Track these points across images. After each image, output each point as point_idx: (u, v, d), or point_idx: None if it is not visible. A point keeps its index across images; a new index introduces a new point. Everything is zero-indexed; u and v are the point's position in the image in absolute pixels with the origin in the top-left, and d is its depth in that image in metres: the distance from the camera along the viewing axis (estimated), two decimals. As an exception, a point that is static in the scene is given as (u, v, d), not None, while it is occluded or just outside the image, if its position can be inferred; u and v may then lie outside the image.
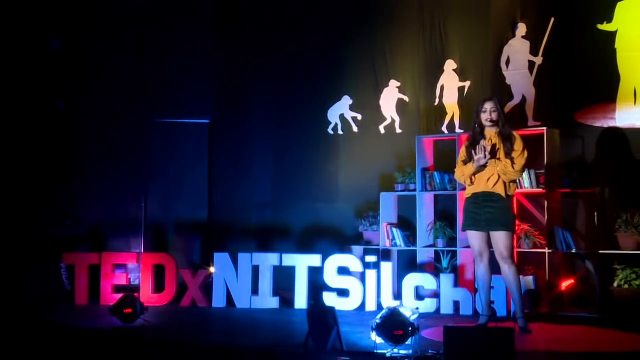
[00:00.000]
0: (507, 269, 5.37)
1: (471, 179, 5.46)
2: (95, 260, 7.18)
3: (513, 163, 5.35)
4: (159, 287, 7.18)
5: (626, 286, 6.09)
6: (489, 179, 5.39)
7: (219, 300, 6.93)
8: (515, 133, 5.46)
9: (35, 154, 7.94)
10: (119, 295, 5.97)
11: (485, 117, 5.43)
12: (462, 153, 5.58)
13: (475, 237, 5.47)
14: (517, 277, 5.38)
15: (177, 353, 4.88)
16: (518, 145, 5.39)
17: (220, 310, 6.79)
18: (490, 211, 5.37)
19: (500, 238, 5.36)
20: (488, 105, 5.45)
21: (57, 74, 8.13)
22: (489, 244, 5.45)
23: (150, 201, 7.90)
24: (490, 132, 5.47)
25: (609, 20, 6.62)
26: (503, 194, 5.35)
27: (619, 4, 6.63)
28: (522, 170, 5.46)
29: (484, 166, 5.39)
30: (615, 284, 6.14)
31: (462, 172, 5.53)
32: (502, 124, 5.44)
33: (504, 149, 5.38)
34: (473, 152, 5.41)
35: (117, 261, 7.29)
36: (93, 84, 8.20)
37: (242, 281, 6.89)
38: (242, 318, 6.39)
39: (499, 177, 5.36)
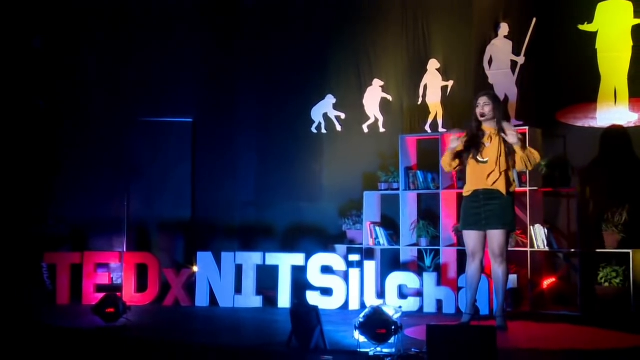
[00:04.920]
0: (497, 267, 5.36)
1: (460, 170, 5.51)
2: (77, 259, 7.13)
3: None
4: (141, 286, 7.15)
5: (607, 284, 6.13)
6: (488, 176, 5.33)
7: (202, 300, 6.91)
8: (504, 123, 5.43)
9: (17, 152, 7.86)
10: (101, 295, 5.92)
11: (478, 111, 5.40)
12: (452, 141, 5.51)
13: (471, 237, 5.41)
14: (505, 278, 5.38)
15: (160, 353, 4.84)
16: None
17: (203, 310, 6.77)
18: (490, 209, 5.31)
19: (496, 236, 5.32)
20: (481, 100, 5.42)
21: (39, 72, 8.04)
22: (484, 245, 5.41)
23: (133, 200, 7.84)
24: (490, 129, 5.41)
25: (590, 20, 6.67)
26: (504, 192, 5.30)
27: (599, 4, 6.69)
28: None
29: (461, 155, 5.41)
30: (597, 282, 6.18)
31: (445, 160, 5.56)
32: (498, 121, 5.38)
33: (504, 147, 5.33)
34: (472, 147, 5.40)
35: (99, 260, 7.24)
36: (75, 82, 8.12)
37: (225, 280, 6.88)
38: (225, 317, 6.37)
39: (500, 174, 5.29)
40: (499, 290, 5.39)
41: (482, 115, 5.39)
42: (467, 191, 5.45)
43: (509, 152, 5.35)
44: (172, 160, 8.11)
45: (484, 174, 5.34)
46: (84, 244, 7.69)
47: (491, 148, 5.35)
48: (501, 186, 5.31)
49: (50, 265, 7.22)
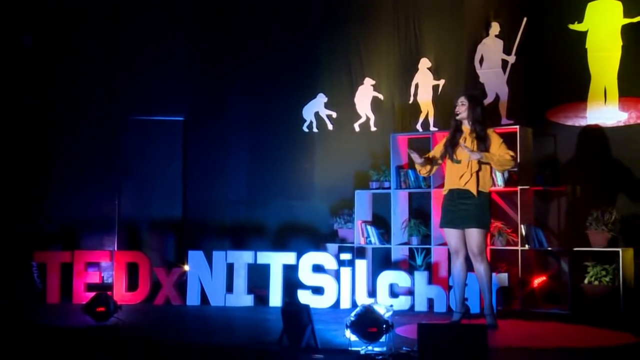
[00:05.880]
0: (478, 266, 5.41)
1: (429, 171, 5.62)
2: (68, 258, 7.12)
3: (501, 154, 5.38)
4: (132, 285, 7.14)
5: (596, 282, 6.16)
6: (461, 177, 5.40)
7: (193, 298, 6.90)
8: (490, 132, 5.47)
9: (7, 151, 7.82)
10: (92, 294, 5.92)
11: (455, 111, 5.50)
12: (437, 146, 5.65)
13: (451, 235, 5.49)
14: (488, 275, 5.41)
15: (151, 352, 4.83)
16: (495, 141, 5.40)
17: (194, 309, 6.77)
18: (464, 208, 5.39)
19: (472, 235, 5.38)
20: (459, 100, 5.52)
21: (30, 70, 7.99)
22: (465, 242, 5.47)
23: (123, 199, 7.82)
24: (466, 129, 5.49)
25: (580, 20, 6.71)
26: (475, 192, 5.36)
27: (589, 4, 6.72)
28: (515, 157, 5.53)
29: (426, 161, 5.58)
30: (586, 281, 6.21)
31: (420, 172, 5.72)
32: (472, 123, 5.44)
33: (477, 149, 5.38)
34: (449, 146, 5.49)
35: (90, 259, 7.24)
36: (67, 81, 8.08)
37: (216, 279, 6.87)
38: (216, 316, 6.37)
39: (471, 175, 5.36)
40: (484, 289, 5.43)
41: (457, 114, 5.47)
42: (444, 190, 5.57)
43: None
44: (163, 159, 8.08)
45: (458, 174, 5.42)
46: (75, 242, 7.66)
47: (452, 143, 5.44)
48: (472, 187, 5.37)
49: (40, 264, 7.20)
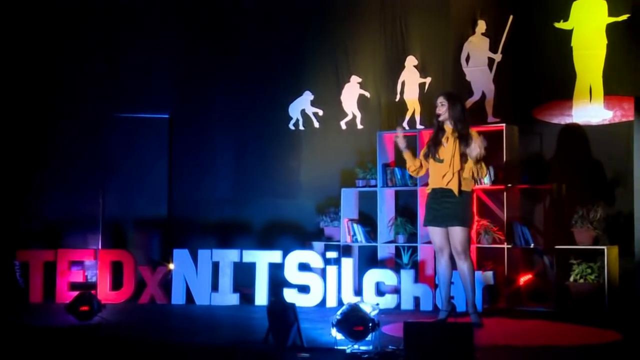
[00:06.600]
0: (461, 264, 5.43)
1: (417, 170, 5.64)
2: (51, 257, 7.06)
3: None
4: (116, 284, 7.09)
5: (582, 281, 6.19)
6: (443, 176, 5.43)
7: (178, 297, 6.87)
8: (473, 132, 5.46)
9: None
10: (76, 293, 5.87)
11: (435, 111, 5.51)
12: (399, 142, 5.68)
13: (435, 233, 5.52)
14: (471, 273, 5.42)
15: (135, 351, 4.80)
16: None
17: (179, 307, 6.75)
18: (447, 206, 5.42)
19: (455, 233, 5.40)
20: (438, 100, 5.53)
21: (13, 69, 7.90)
22: (449, 240, 5.48)
23: (108, 197, 7.77)
24: (449, 129, 5.49)
25: (566, 18, 6.74)
26: (456, 191, 5.39)
27: (575, 3, 6.75)
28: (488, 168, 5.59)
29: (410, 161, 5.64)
30: (571, 279, 6.23)
31: (409, 168, 5.74)
32: (454, 122, 5.44)
33: (459, 148, 5.38)
34: (432, 146, 5.51)
35: (73, 258, 7.18)
36: (50, 78, 8.00)
37: (201, 278, 6.85)
38: (201, 315, 6.35)
39: (453, 174, 5.39)
40: (468, 287, 5.44)
41: (438, 115, 5.49)
42: (428, 189, 5.60)
43: (463, 153, 5.40)
44: (148, 156, 8.02)
45: (440, 173, 5.45)
46: (58, 241, 7.58)
47: (447, 149, 5.44)
48: (454, 186, 5.39)
49: (22, 263, 7.13)
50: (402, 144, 5.61)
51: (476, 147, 5.27)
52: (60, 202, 7.75)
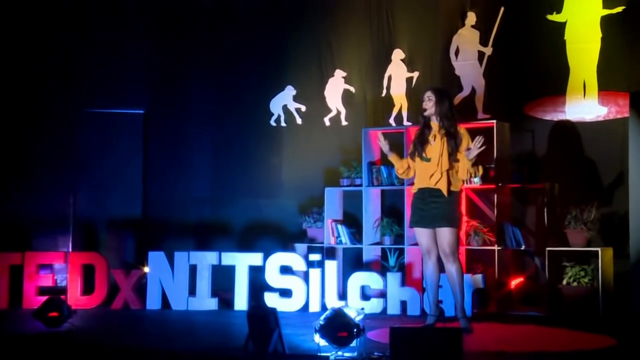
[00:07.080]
0: (449, 266, 5.38)
1: (406, 172, 5.56)
2: (18, 260, 7.02)
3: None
4: (88, 288, 7.06)
5: (575, 284, 6.17)
6: (431, 176, 5.35)
7: (153, 302, 6.83)
8: (461, 130, 5.39)
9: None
10: (44, 298, 5.84)
11: (422, 107, 5.45)
12: (382, 145, 5.62)
13: (422, 234, 5.45)
14: (460, 276, 5.37)
15: (108, 359, 4.75)
16: (465, 142, 5.32)
17: (154, 313, 6.70)
18: (434, 207, 5.36)
19: (443, 235, 5.35)
20: (425, 95, 5.48)
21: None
22: (436, 242, 5.42)
23: (79, 196, 7.68)
24: (436, 126, 5.41)
25: (559, 10, 6.75)
26: (445, 191, 5.32)
27: (569, -6, 6.82)
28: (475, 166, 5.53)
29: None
30: (564, 282, 6.22)
31: (397, 171, 5.66)
32: (440, 119, 5.36)
33: (447, 146, 5.30)
34: (418, 144, 5.43)
35: (42, 261, 7.16)
36: (19, 72, 7.87)
37: (178, 281, 6.81)
38: (178, 320, 6.32)
39: (441, 174, 5.32)
40: (456, 290, 5.40)
41: (424, 110, 5.44)
42: (414, 189, 5.54)
43: (452, 151, 5.33)
44: (121, 154, 7.95)
45: (428, 173, 5.40)
46: (26, 243, 7.51)
47: (434, 147, 5.40)
48: (443, 186, 5.34)
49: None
50: (385, 147, 5.57)
51: (475, 149, 5.20)
52: (28, 202, 7.69)
